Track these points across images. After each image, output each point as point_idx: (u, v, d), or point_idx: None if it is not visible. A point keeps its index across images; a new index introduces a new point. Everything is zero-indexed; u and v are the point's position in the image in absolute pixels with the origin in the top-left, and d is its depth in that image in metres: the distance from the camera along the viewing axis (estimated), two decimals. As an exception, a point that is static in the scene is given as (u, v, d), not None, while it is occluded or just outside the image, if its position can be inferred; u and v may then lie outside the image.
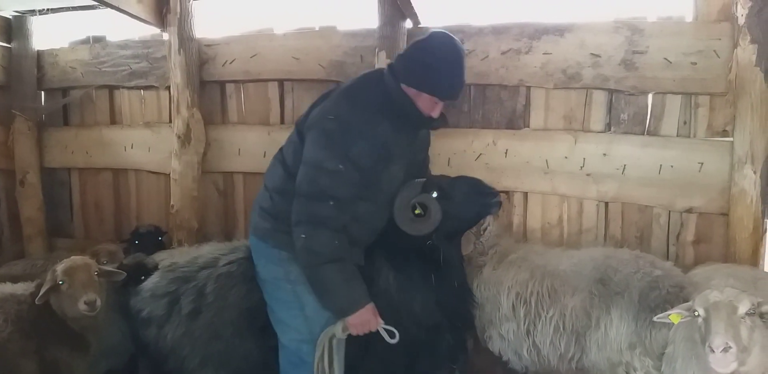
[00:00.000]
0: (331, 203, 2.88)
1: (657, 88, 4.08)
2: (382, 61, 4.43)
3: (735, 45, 3.79)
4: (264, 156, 4.85)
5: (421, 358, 3.33)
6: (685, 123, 4.07)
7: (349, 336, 3.10)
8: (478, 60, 4.44)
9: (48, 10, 5.60)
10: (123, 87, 5.60)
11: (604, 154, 4.19)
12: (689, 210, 4.05)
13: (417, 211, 3.18)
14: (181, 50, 5.04)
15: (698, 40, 3.93)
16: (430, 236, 3.21)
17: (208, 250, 3.80)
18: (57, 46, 5.85)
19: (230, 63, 5.13)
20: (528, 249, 4.03)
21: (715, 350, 2.40)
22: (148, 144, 5.48)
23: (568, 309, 3.47)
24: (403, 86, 3.01)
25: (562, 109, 4.35)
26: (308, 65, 4.84)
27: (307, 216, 2.90)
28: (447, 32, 3.05)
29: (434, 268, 3.29)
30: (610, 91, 4.21)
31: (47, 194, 5.95)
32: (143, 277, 3.70)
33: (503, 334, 3.72)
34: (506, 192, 4.48)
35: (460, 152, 4.48)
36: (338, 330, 3.03)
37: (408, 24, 4.60)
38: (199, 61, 5.17)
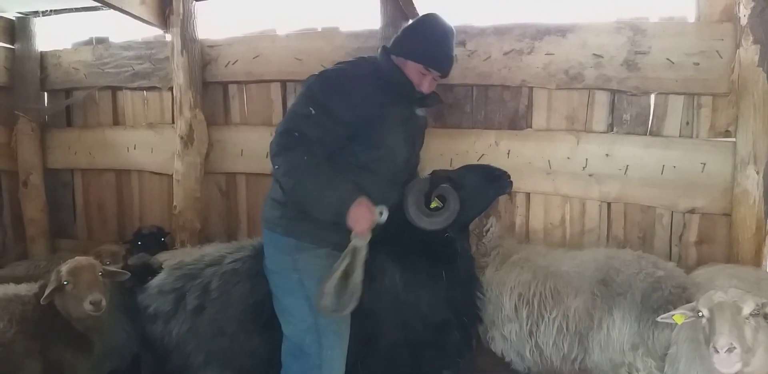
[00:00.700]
0: (296, 134, 2.91)
1: (659, 89, 4.08)
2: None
3: (737, 45, 3.79)
4: (266, 157, 4.84)
5: (427, 356, 3.32)
6: (687, 123, 4.07)
7: (352, 333, 3.11)
8: (481, 60, 4.44)
9: (51, 11, 5.62)
10: (126, 88, 5.61)
11: (607, 155, 4.19)
12: (692, 211, 4.05)
13: (433, 205, 3.18)
14: (184, 51, 5.05)
15: (701, 41, 3.93)
16: (447, 228, 3.20)
17: (214, 249, 3.82)
18: (60, 48, 5.88)
19: (233, 64, 5.14)
20: (530, 250, 4.03)
21: (719, 350, 2.39)
22: (150, 145, 5.49)
23: (571, 310, 3.47)
24: (393, 57, 3.12)
25: (565, 109, 4.36)
26: (311, 66, 4.82)
27: (276, 146, 2.94)
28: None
29: (446, 262, 3.28)
30: (613, 92, 4.21)
31: (50, 195, 5.96)
32: (149, 277, 3.72)
33: (506, 335, 3.72)
34: (508, 193, 4.47)
35: (462, 153, 4.48)
36: (353, 239, 2.95)
37: (410, 24, 4.60)
38: (202, 62, 5.18)
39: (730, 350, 2.38)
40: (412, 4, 4.34)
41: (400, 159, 3.22)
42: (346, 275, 2.90)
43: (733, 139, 3.89)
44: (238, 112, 5.28)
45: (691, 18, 4.11)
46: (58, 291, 3.41)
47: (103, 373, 3.86)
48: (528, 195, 4.51)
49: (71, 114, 5.96)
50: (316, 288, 3.01)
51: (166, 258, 4.04)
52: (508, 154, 4.42)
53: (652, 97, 4.15)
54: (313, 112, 2.92)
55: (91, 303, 3.34)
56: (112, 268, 3.71)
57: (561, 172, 4.32)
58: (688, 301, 2.95)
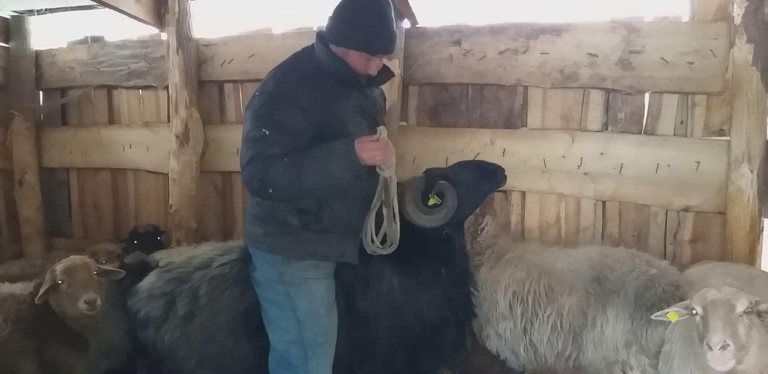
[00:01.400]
0: (260, 161, 2.81)
1: (654, 88, 4.10)
2: (379, 61, 4.44)
3: (731, 44, 3.81)
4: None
5: (424, 354, 3.33)
6: (681, 122, 4.08)
7: (347, 337, 3.15)
8: (476, 60, 4.45)
9: (46, 10, 5.60)
10: (121, 87, 5.60)
11: (602, 153, 4.21)
12: (686, 209, 4.07)
13: (431, 202, 3.17)
14: (180, 50, 5.04)
15: (695, 40, 3.95)
16: (444, 225, 3.20)
17: (203, 251, 3.79)
18: (55, 46, 5.85)
19: (228, 63, 5.13)
20: (525, 248, 4.05)
21: (713, 348, 2.41)
22: (146, 144, 5.48)
23: (565, 307, 3.48)
24: (332, 47, 2.97)
25: (560, 108, 4.37)
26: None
27: (251, 178, 2.83)
28: None
29: (444, 260, 3.29)
30: (607, 91, 4.23)
31: (46, 194, 5.94)
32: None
33: (500, 333, 3.73)
34: (504, 192, 4.50)
35: (457, 151, 4.48)
36: (380, 172, 2.94)
37: (406, 24, 4.61)
38: (198, 61, 5.17)
39: (723, 347, 2.39)
40: (407, 3, 4.34)
41: None
42: (385, 208, 2.95)
43: (727, 138, 3.90)
44: (233, 111, 5.27)
45: (686, 17, 4.13)
46: (53, 291, 3.40)
47: (100, 372, 3.86)
48: (523, 193, 4.52)
49: (66, 113, 5.94)
50: (303, 300, 3.03)
51: (162, 257, 4.03)
52: (504, 152, 4.43)
53: (647, 96, 4.16)
54: (267, 132, 2.82)
55: (85, 302, 3.33)
56: (108, 267, 3.71)
57: (556, 170, 4.34)
58: (682, 299, 2.97)
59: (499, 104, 4.53)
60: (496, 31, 4.42)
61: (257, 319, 3.22)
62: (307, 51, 3.09)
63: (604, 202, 4.32)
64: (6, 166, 5.85)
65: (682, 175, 4.02)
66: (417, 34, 4.62)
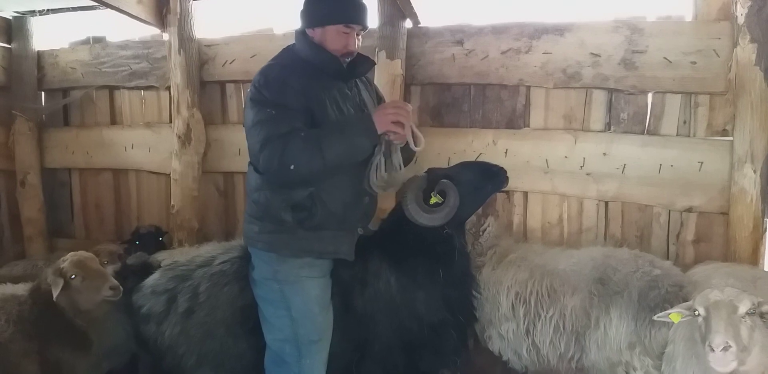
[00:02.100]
0: (275, 139, 2.84)
1: (657, 88, 4.08)
2: (382, 61, 4.44)
3: (735, 44, 3.79)
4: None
5: (424, 356, 3.32)
6: (684, 122, 4.07)
7: (344, 336, 3.17)
8: (478, 59, 4.45)
9: (48, 10, 5.60)
10: (123, 87, 5.60)
11: (604, 154, 4.19)
12: (689, 210, 4.05)
13: (432, 201, 3.17)
14: (181, 50, 5.04)
15: (698, 40, 3.93)
16: (445, 225, 3.20)
17: (206, 250, 3.82)
18: (57, 47, 5.86)
19: (230, 63, 5.13)
20: (527, 248, 4.03)
21: (715, 349, 2.40)
22: (148, 144, 5.48)
23: (568, 308, 3.47)
24: (309, 33, 3.06)
25: (562, 108, 4.36)
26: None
27: (270, 158, 2.84)
28: None
29: (443, 261, 3.28)
30: (610, 91, 4.21)
31: (48, 195, 5.95)
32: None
33: (503, 334, 3.72)
34: (506, 192, 4.49)
35: (459, 152, 4.47)
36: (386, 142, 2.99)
37: (408, 24, 4.60)
38: (199, 61, 5.17)
39: (725, 349, 2.38)
40: (410, 2, 4.34)
41: None
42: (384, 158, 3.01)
43: (730, 138, 3.89)
44: (235, 112, 5.26)
45: (689, 17, 4.11)
46: (64, 288, 3.43)
47: (102, 373, 3.86)
48: (526, 194, 4.51)
49: (68, 113, 5.94)
50: (297, 299, 3.05)
51: (165, 258, 4.04)
52: (506, 153, 4.42)
53: (650, 96, 4.15)
54: (272, 112, 2.87)
55: (111, 288, 3.45)
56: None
57: (558, 170, 4.32)
58: (685, 300, 2.96)
59: (501, 104, 4.52)
60: (498, 30, 4.41)
61: (256, 316, 3.24)
62: (288, 48, 3.19)
63: (606, 203, 4.30)
64: (8, 166, 5.86)
65: (685, 175, 4.00)
66: (419, 33, 4.61)
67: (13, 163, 5.84)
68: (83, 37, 5.81)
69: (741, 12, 3.74)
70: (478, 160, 3.87)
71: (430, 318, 3.26)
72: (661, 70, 4.01)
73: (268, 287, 3.14)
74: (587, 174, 4.25)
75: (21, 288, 3.64)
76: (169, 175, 5.25)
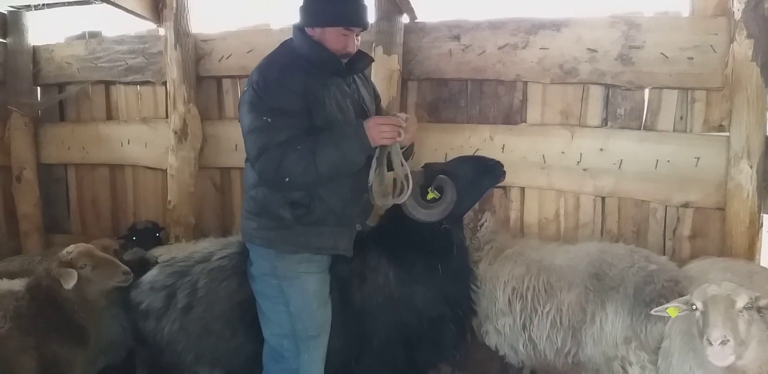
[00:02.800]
0: (270, 149, 2.85)
1: (653, 83, 4.09)
2: (379, 56, 4.43)
3: (731, 40, 3.79)
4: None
5: (423, 351, 3.33)
6: (681, 118, 4.08)
7: (343, 331, 3.16)
8: (475, 55, 4.44)
9: (43, 5, 5.56)
10: (119, 82, 5.58)
11: (601, 149, 4.20)
12: (686, 205, 4.06)
13: (429, 196, 3.17)
14: (178, 45, 5.02)
15: (695, 35, 3.93)
16: (443, 220, 3.20)
17: (204, 246, 3.83)
18: (53, 42, 5.83)
19: (227, 58, 5.11)
20: (524, 244, 4.04)
21: (713, 343, 2.40)
22: (144, 139, 5.46)
23: (564, 303, 3.48)
24: (308, 31, 3.04)
25: (559, 104, 4.36)
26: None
27: (266, 169, 2.86)
28: None
29: (442, 255, 3.28)
30: (607, 86, 4.22)
31: (44, 190, 5.93)
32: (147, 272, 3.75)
33: (499, 329, 3.73)
34: (503, 188, 4.50)
35: (456, 147, 4.48)
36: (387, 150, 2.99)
37: (405, 19, 4.59)
38: (196, 56, 5.15)
39: (723, 343, 2.39)
40: (407, -3, 4.34)
41: None
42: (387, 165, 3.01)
43: (727, 134, 3.89)
44: (232, 107, 5.25)
45: (686, 12, 4.11)
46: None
47: (98, 368, 3.87)
48: (522, 189, 4.52)
49: (64, 108, 5.92)
50: (295, 294, 3.05)
51: (161, 253, 4.04)
52: (503, 148, 4.42)
53: (647, 91, 4.16)
54: (268, 120, 2.86)
55: (124, 273, 3.51)
56: None
57: (555, 166, 4.33)
58: (681, 295, 2.98)
59: (498, 100, 4.52)
60: (495, 26, 4.40)
61: (254, 311, 3.25)
62: (286, 44, 3.16)
63: (603, 198, 4.31)
64: (4, 162, 5.83)
65: (681, 170, 4.01)
66: (416, 29, 4.60)
67: (8, 159, 5.81)
68: (79, 31, 5.78)
69: (738, 8, 3.74)
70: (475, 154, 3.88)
71: (428, 313, 3.27)
72: (658, 66, 4.01)
73: (267, 283, 3.14)
74: (584, 169, 4.25)
75: (17, 284, 3.63)
76: (166, 170, 5.24)
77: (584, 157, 4.24)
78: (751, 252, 3.82)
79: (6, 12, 5.71)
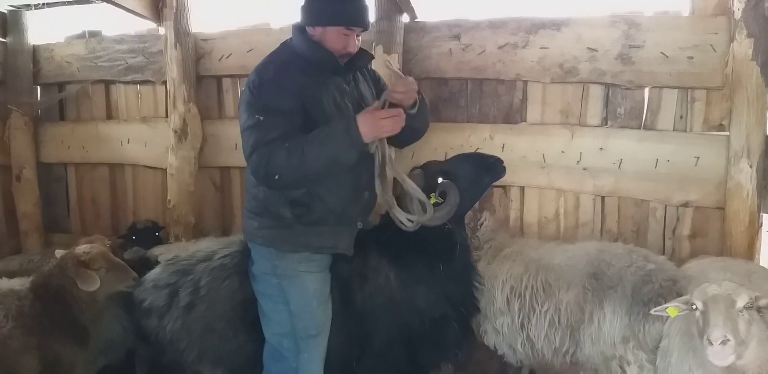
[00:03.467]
0: (262, 146, 2.85)
1: (653, 83, 4.09)
2: (379, 55, 4.43)
3: (731, 39, 3.79)
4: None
5: (426, 350, 3.33)
6: (681, 117, 4.08)
7: (344, 331, 3.16)
8: (475, 54, 4.44)
9: (43, 4, 5.56)
10: (119, 82, 5.57)
11: (601, 149, 4.20)
12: (685, 205, 4.06)
13: (432, 201, 3.14)
14: (178, 45, 5.02)
15: (695, 35, 3.93)
16: (447, 221, 3.19)
17: (206, 245, 3.86)
18: (53, 41, 5.83)
19: (227, 57, 5.11)
20: (523, 243, 4.04)
21: (713, 342, 2.40)
22: (144, 139, 5.46)
23: (563, 303, 3.48)
24: (309, 30, 3.04)
25: (559, 103, 4.36)
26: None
27: (258, 166, 2.86)
28: None
29: (444, 255, 3.28)
30: (607, 86, 4.21)
31: (44, 189, 5.94)
32: (148, 271, 3.75)
33: (498, 328, 3.73)
34: (503, 187, 4.50)
35: (456, 146, 4.47)
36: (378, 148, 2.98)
37: (405, 18, 4.59)
38: (196, 55, 5.15)
39: (724, 342, 2.39)
40: (407, -3, 4.34)
41: None
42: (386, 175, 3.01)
43: (727, 133, 3.89)
44: (232, 106, 5.25)
45: (686, 12, 4.11)
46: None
47: (98, 368, 3.87)
48: (522, 189, 4.51)
49: (64, 108, 5.92)
50: (296, 293, 3.05)
51: (161, 253, 4.05)
52: (503, 147, 4.41)
53: (646, 90, 4.15)
54: (261, 118, 2.86)
55: (133, 278, 3.62)
56: None
57: (555, 165, 4.33)
58: (679, 294, 2.98)
59: (498, 99, 4.51)
60: (495, 25, 4.40)
61: (255, 310, 3.25)
62: (285, 44, 3.17)
63: (603, 197, 4.31)
64: (4, 161, 5.83)
65: (681, 170, 4.01)
66: (416, 28, 4.60)
67: (8, 158, 5.81)
68: (79, 31, 5.78)
69: (738, 7, 3.74)
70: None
71: (431, 313, 3.27)
72: (658, 65, 4.01)
73: (267, 282, 3.14)
74: (584, 169, 4.25)
75: (18, 283, 3.63)
76: (166, 169, 5.24)
77: (584, 156, 4.24)
78: (750, 251, 3.82)
79: (6, 11, 5.71)
